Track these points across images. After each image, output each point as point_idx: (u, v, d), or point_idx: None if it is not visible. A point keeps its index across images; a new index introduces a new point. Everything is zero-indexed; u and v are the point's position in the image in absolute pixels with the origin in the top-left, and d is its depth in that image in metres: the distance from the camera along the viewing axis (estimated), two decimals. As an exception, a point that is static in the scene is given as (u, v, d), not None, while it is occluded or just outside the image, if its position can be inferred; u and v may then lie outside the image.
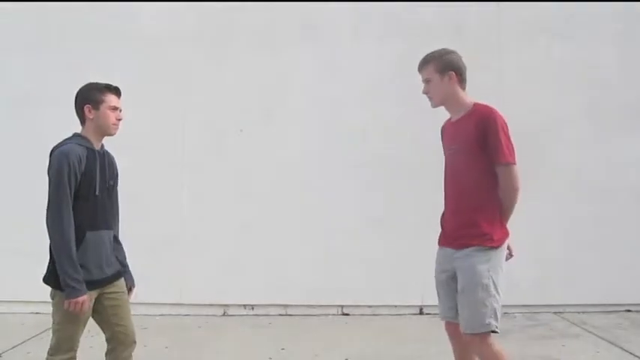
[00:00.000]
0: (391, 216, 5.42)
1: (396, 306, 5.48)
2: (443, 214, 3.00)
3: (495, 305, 2.66)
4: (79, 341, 2.79)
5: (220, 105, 5.56)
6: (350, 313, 5.44)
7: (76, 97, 2.87)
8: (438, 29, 5.54)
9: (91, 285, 2.71)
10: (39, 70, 5.55)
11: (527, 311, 5.40)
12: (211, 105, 5.56)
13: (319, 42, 5.58)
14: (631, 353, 4.21)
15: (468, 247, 2.73)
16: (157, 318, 5.37)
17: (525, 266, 5.41)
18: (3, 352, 4.22)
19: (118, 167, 3.07)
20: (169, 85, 5.57)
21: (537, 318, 5.25)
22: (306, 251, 5.40)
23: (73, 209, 2.67)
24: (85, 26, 5.58)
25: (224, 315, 5.47)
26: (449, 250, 2.86)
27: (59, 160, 2.67)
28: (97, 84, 2.88)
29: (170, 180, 5.49)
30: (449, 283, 2.86)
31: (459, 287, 2.75)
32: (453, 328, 2.91)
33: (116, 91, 2.89)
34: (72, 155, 2.68)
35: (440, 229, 2.99)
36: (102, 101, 2.81)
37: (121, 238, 3.04)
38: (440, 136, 3.10)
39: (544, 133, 5.48)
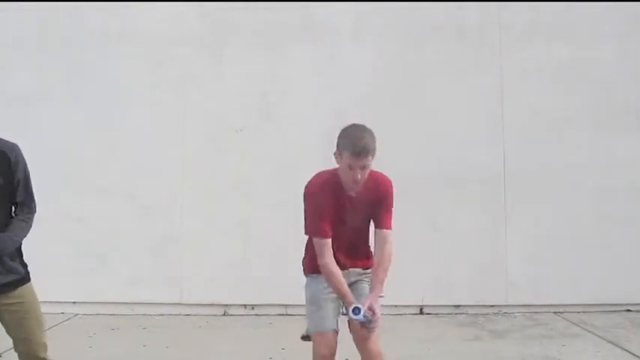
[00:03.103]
0: (391, 216, 5.41)
1: (396, 306, 5.47)
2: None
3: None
4: None
5: (220, 105, 5.56)
6: (350, 313, 5.44)
7: None
8: (438, 29, 5.55)
9: None
10: (39, 70, 5.55)
11: (527, 311, 5.39)
12: (211, 105, 5.56)
13: (319, 42, 5.58)
14: (631, 353, 4.21)
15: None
16: (157, 318, 5.36)
17: (525, 266, 5.44)
18: (3, 352, 4.21)
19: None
20: (169, 85, 5.57)
21: (537, 318, 5.25)
22: (306, 251, 5.39)
23: None
24: (85, 26, 5.58)
25: (224, 315, 5.47)
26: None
27: None
28: None
29: (170, 180, 5.49)
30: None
31: None
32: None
33: None
34: None
35: None
36: None
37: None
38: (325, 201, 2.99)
39: (544, 133, 5.49)
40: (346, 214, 2.93)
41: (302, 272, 3.21)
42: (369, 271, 3.05)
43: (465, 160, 5.34)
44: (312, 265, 3.02)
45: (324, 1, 5.57)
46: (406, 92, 5.49)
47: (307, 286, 3.08)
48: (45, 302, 2.79)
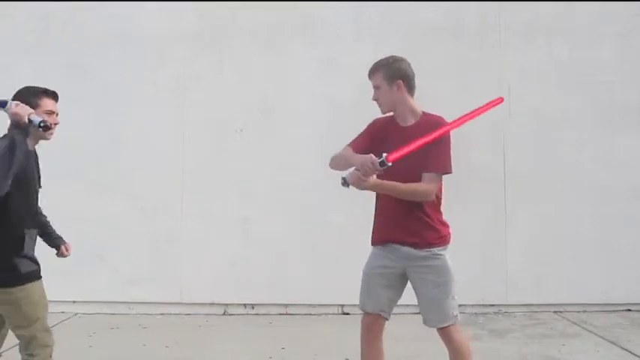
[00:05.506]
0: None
1: (396, 305, 5.48)
2: (381, 214, 3.02)
3: None
4: None
5: (220, 105, 5.56)
6: (350, 313, 5.44)
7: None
8: (438, 29, 5.55)
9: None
10: (39, 70, 5.55)
11: (527, 310, 5.40)
12: (211, 105, 5.56)
13: (319, 42, 5.58)
14: (631, 352, 4.21)
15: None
16: (157, 317, 5.37)
17: (525, 265, 5.44)
18: (3, 352, 4.22)
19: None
20: (169, 85, 5.58)
21: (537, 317, 5.25)
22: (306, 251, 5.40)
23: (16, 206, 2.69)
24: (85, 26, 5.58)
25: (224, 315, 5.47)
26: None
27: None
28: (33, 88, 2.83)
29: (170, 180, 5.49)
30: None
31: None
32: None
33: (53, 96, 2.86)
34: None
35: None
36: (38, 106, 2.77)
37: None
38: (373, 129, 3.07)
39: (544, 133, 5.49)
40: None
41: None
42: (431, 251, 2.81)
43: (465, 160, 5.32)
44: (373, 237, 3.04)
45: (324, 1, 5.58)
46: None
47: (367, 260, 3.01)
48: (45, 302, 2.82)
